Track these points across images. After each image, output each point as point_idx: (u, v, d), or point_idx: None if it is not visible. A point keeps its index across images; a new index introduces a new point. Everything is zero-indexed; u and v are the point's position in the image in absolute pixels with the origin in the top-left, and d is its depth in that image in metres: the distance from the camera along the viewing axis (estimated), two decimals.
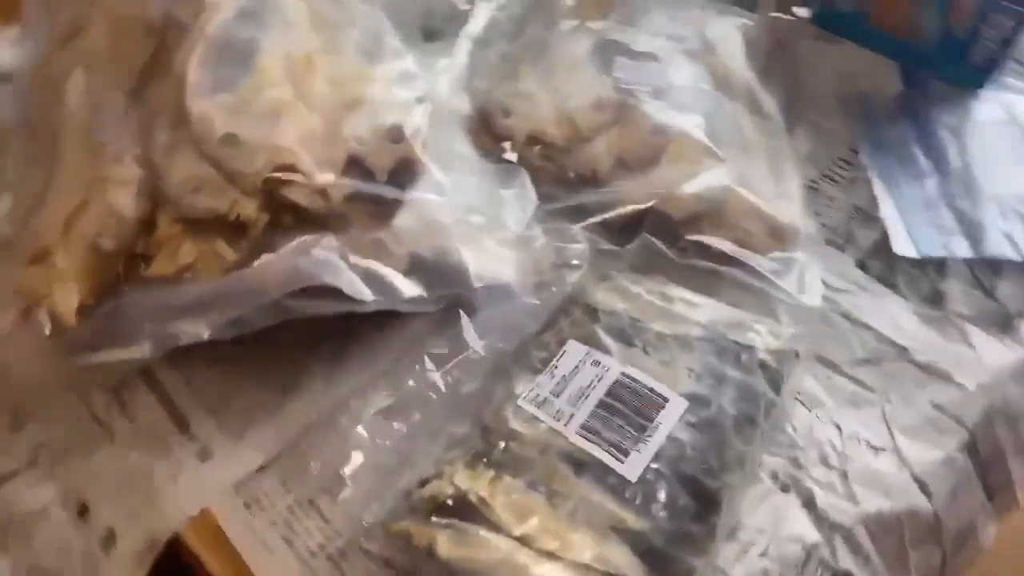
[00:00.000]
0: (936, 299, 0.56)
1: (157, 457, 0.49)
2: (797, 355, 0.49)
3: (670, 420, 0.44)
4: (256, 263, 0.47)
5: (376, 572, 0.44)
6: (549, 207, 0.57)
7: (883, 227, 0.59)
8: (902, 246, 0.58)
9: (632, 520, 0.41)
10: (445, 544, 0.40)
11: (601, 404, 0.45)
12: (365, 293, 0.47)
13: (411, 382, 0.49)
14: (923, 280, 0.57)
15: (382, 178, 0.50)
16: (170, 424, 0.51)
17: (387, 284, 0.48)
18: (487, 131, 0.60)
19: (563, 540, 0.40)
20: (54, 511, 0.48)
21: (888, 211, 0.61)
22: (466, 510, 0.41)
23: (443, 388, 0.48)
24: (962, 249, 0.58)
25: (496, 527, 0.40)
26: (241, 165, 0.47)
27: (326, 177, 0.48)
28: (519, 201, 0.56)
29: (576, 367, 0.47)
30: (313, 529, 0.46)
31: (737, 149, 0.59)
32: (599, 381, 0.46)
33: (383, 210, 0.50)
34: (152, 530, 0.46)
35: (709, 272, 0.54)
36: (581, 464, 0.43)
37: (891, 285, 0.57)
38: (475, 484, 0.42)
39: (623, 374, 0.46)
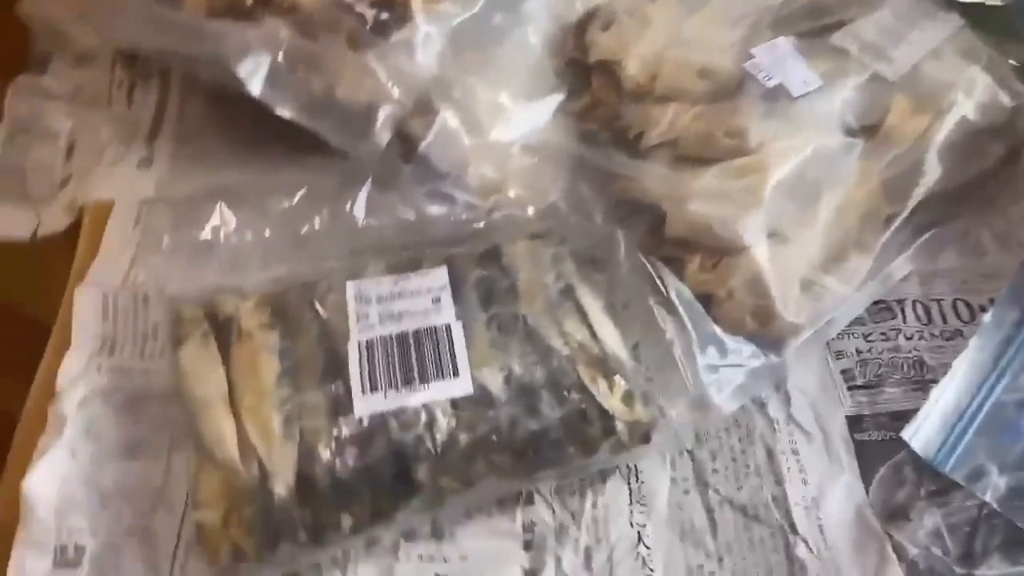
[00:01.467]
0: None
1: None
2: (647, 439, 0.40)
3: (441, 393, 0.39)
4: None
5: None
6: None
7: None
8: None
9: None
10: None
11: (400, 338, 0.41)
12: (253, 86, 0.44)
13: None
14: None
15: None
16: None
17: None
18: (576, 34, 0.53)
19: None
20: None
21: None
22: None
23: None
24: None
25: None
26: None
27: None
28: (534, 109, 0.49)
29: (417, 291, 0.43)
30: None
31: (807, 215, 0.46)
32: (423, 316, 0.42)
33: (355, 35, 0.46)
34: None
35: (649, 308, 0.44)
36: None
37: None
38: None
39: (447, 327, 0.41)
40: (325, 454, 0.38)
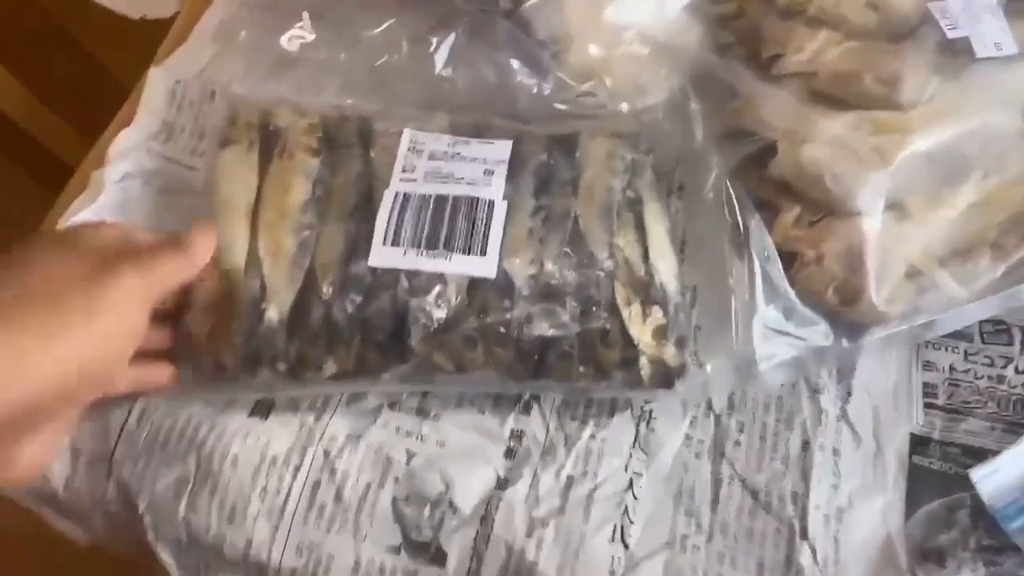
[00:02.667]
0: None
1: None
2: (670, 383, 0.35)
3: (462, 268, 0.36)
4: None
5: None
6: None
7: None
8: None
9: None
10: None
11: (438, 200, 0.38)
12: None
13: None
14: None
15: None
16: None
17: None
18: None
19: None
20: None
21: None
22: None
23: None
24: None
25: None
26: None
27: None
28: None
29: (474, 158, 0.39)
30: None
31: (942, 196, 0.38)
32: (470, 185, 0.38)
33: None
34: None
35: (721, 247, 0.38)
36: None
37: None
38: None
39: (490, 203, 0.37)
40: (327, 291, 0.36)
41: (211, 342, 0.36)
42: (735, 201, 0.38)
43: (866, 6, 0.42)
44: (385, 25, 0.44)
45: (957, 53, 0.41)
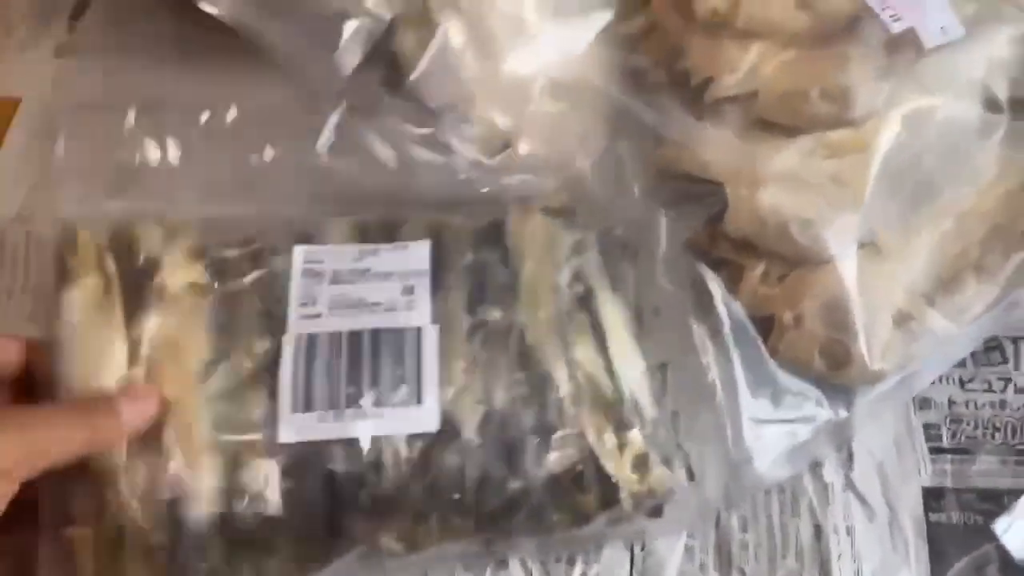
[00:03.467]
0: None
1: None
2: (658, 513, 0.30)
3: (395, 425, 0.29)
4: None
5: None
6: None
7: None
8: None
9: None
10: None
11: (352, 338, 0.31)
12: None
13: None
14: None
15: None
16: None
17: None
18: None
19: None
20: None
21: None
22: None
23: None
24: None
25: None
26: None
27: None
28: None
29: (388, 272, 0.32)
30: None
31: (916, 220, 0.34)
32: (388, 311, 0.31)
33: None
34: None
35: (686, 325, 0.33)
36: None
37: None
38: None
39: (417, 332, 0.31)
40: (253, 480, 0.29)
41: (109, 560, 0.29)
42: (694, 273, 0.33)
43: (796, 7, 0.36)
44: (245, 111, 0.36)
45: (905, 47, 0.36)
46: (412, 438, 0.29)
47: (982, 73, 0.36)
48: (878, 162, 0.34)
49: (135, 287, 0.31)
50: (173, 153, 0.37)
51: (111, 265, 0.32)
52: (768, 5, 0.36)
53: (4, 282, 0.36)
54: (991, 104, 0.36)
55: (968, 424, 0.36)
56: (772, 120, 0.36)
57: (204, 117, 0.37)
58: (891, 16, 0.36)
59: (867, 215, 0.33)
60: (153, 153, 0.37)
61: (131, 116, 0.37)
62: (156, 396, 0.29)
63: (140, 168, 0.37)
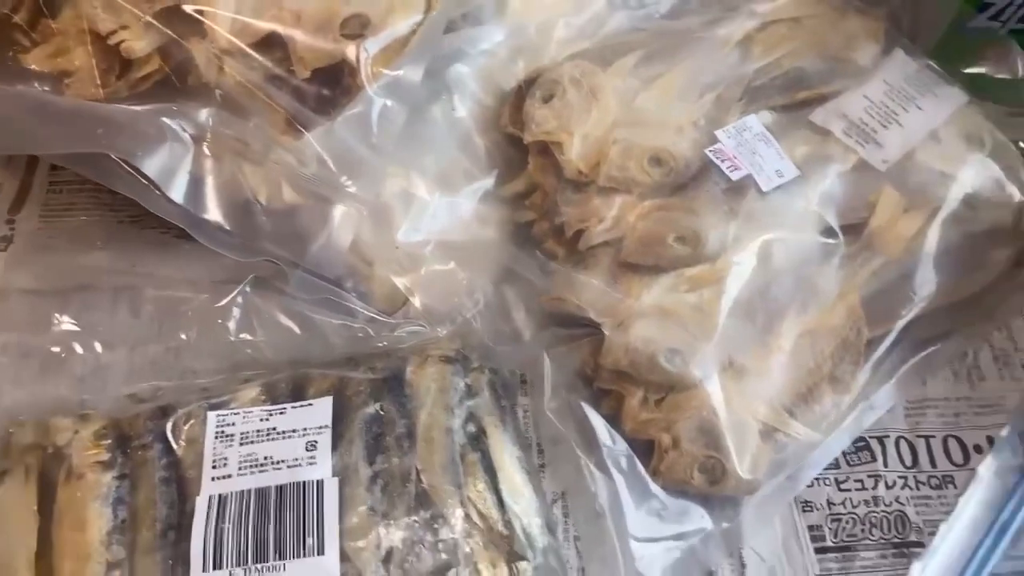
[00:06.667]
0: None
1: None
2: None
3: None
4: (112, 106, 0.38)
5: None
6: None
7: None
8: None
9: None
10: None
11: (260, 495, 0.33)
12: (174, 193, 0.37)
13: None
14: None
15: (301, 74, 0.38)
16: None
17: (206, 201, 0.37)
18: (513, 104, 0.45)
19: None
20: None
21: None
22: None
23: None
24: None
25: None
26: None
27: (230, 40, 0.38)
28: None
29: (292, 430, 0.35)
30: None
31: (770, 341, 0.39)
32: (292, 467, 0.34)
33: (295, 116, 0.39)
34: None
35: (577, 457, 0.36)
36: None
37: None
38: None
39: (318, 484, 0.33)
40: None
41: None
42: (577, 409, 0.37)
43: (649, 163, 0.42)
44: (164, 292, 0.40)
45: (745, 191, 0.42)
46: None
47: (816, 206, 0.42)
48: (731, 293, 0.39)
49: (47, 474, 0.35)
50: (97, 339, 0.40)
51: (31, 460, 0.35)
52: (624, 164, 0.42)
53: None
54: (827, 232, 0.41)
55: (847, 523, 0.39)
56: (637, 262, 0.40)
57: (125, 301, 0.41)
58: (729, 167, 0.42)
59: (724, 340, 0.38)
60: (79, 341, 0.40)
61: (58, 308, 0.41)
62: None
63: (67, 356, 0.40)
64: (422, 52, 0.38)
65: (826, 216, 0.42)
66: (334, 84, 0.38)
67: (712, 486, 0.36)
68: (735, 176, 0.41)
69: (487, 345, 0.39)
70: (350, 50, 0.37)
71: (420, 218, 0.40)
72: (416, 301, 0.39)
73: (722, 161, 0.42)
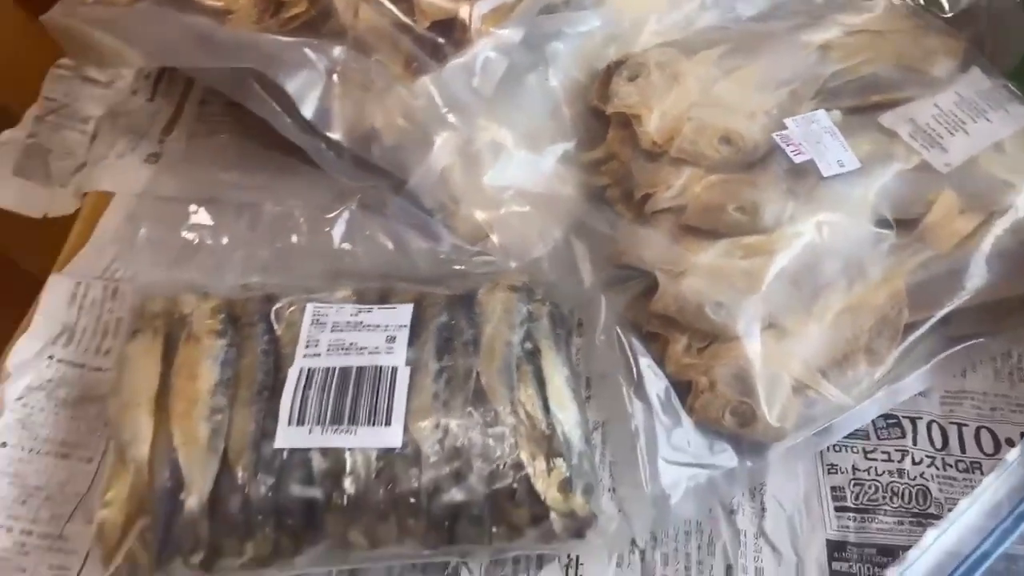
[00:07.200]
0: None
1: None
2: (581, 535, 0.36)
3: (368, 441, 0.36)
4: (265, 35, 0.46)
5: None
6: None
7: None
8: None
9: None
10: None
11: (342, 373, 0.38)
12: (306, 110, 0.43)
13: None
14: None
15: (422, 24, 0.44)
16: None
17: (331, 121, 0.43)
18: (601, 82, 0.50)
19: None
20: None
21: None
22: None
23: None
24: None
25: None
26: None
27: None
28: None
29: (376, 326, 0.40)
30: None
31: (814, 309, 0.42)
32: (372, 354, 0.39)
33: (413, 59, 0.45)
34: None
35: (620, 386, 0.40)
36: None
37: None
38: None
39: (393, 370, 0.38)
40: (242, 477, 0.36)
41: (124, 536, 0.35)
42: (626, 343, 0.41)
43: (719, 141, 0.46)
44: (282, 207, 0.47)
45: (806, 174, 0.45)
46: (381, 451, 0.36)
47: (874, 197, 0.45)
48: (781, 263, 0.42)
49: (173, 337, 0.41)
50: (223, 238, 0.47)
51: (160, 323, 0.42)
52: (696, 139, 0.46)
53: (83, 322, 0.45)
54: (881, 222, 0.44)
55: (870, 488, 0.41)
56: (698, 226, 0.44)
57: (248, 211, 0.48)
58: (793, 151, 0.45)
59: (768, 302, 0.41)
60: (208, 238, 0.47)
61: (193, 209, 0.48)
62: None
63: (198, 247, 0.47)
64: (524, 18, 0.44)
65: (881, 208, 0.44)
66: (448, 35, 0.44)
67: (742, 428, 0.39)
68: (798, 159, 0.45)
69: (551, 283, 0.43)
70: (463, 9, 0.43)
71: (506, 167, 0.45)
72: (494, 237, 0.44)
73: (787, 145, 0.45)
